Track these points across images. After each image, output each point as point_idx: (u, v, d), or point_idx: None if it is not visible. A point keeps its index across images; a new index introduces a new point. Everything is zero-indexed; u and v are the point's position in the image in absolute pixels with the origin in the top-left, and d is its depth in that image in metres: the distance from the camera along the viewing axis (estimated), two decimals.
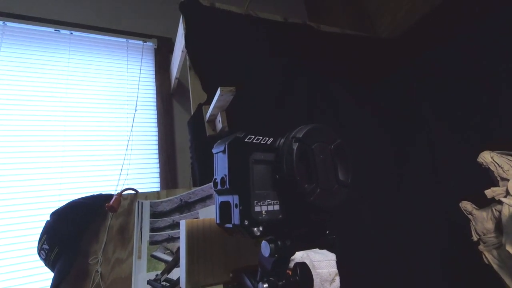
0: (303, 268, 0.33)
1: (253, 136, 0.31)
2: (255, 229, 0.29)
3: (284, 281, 0.32)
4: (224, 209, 0.31)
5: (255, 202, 0.30)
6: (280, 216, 0.32)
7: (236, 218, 0.29)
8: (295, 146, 0.30)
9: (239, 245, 0.44)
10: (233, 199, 0.30)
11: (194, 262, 0.39)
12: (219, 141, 0.32)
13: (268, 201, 0.31)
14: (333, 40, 1.39)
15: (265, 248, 0.31)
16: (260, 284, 0.31)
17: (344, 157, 0.34)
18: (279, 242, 0.31)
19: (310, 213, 0.33)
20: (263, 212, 0.30)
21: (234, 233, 0.31)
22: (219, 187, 0.31)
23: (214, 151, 0.32)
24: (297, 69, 1.23)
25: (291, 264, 0.35)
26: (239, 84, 0.83)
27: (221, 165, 0.31)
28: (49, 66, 1.37)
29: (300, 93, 1.19)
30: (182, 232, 0.39)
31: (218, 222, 0.32)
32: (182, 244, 0.39)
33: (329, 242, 0.35)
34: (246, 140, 0.31)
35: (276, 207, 0.31)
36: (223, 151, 0.30)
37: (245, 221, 0.29)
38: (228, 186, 0.29)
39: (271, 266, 0.32)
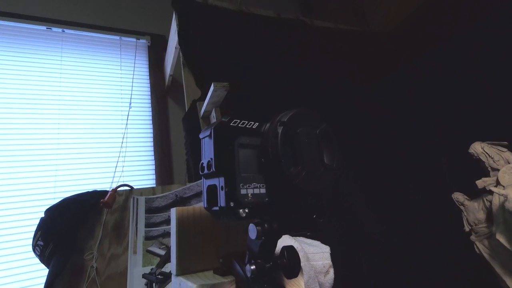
0: (290, 251, 0.33)
1: (239, 120, 0.31)
2: (241, 210, 0.30)
3: (271, 263, 0.32)
4: (211, 193, 0.32)
5: (241, 184, 0.30)
6: (267, 199, 0.32)
7: (222, 200, 0.30)
8: (279, 129, 0.31)
9: (229, 231, 0.44)
10: (219, 182, 0.30)
11: (184, 248, 0.39)
12: (206, 127, 0.33)
13: (254, 184, 0.31)
14: (326, 35, 1.39)
15: (252, 231, 0.31)
16: (248, 266, 0.32)
17: (330, 141, 0.35)
18: (266, 225, 0.31)
19: (296, 197, 0.34)
20: (249, 195, 0.31)
21: (221, 216, 0.31)
22: (205, 171, 0.31)
23: (201, 136, 0.33)
24: (291, 64, 1.23)
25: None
26: (233, 80, 0.83)
27: (207, 149, 0.31)
28: (41, 64, 1.36)
29: (295, 89, 1.19)
30: (173, 219, 0.40)
31: (205, 206, 0.33)
32: (173, 231, 0.40)
33: (317, 226, 0.36)
34: (231, 124, 0.31)
35: (263, 191, 0.32)
36: (209, 136, 0.31)
37: (231, 203, 0.29)
38: (214, 170, 0.30)
39: (258, 248, 0.32)
